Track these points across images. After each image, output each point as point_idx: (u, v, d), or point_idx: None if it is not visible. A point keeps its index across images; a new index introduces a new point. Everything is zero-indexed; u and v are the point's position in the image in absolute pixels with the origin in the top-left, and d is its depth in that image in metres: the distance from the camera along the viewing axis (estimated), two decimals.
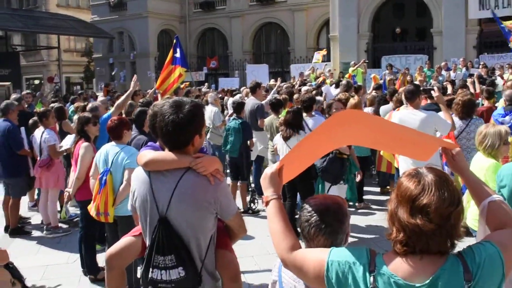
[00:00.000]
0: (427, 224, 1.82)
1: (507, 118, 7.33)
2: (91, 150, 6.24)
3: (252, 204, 9.10)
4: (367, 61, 21.14)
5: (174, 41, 15.08)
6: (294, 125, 7.43)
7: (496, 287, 1.91)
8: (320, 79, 18.23)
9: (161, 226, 2.82)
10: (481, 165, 4.92)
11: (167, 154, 2.89)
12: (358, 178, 7.58)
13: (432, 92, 6.68)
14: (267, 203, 2.32)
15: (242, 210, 8.73)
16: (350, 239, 2.05)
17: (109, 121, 5.68)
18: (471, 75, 15.35)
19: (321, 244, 2.34)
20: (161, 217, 2.83)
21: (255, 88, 10.32)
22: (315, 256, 2.08)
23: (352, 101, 8.83)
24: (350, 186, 7.48)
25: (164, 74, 14.89)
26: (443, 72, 18.61)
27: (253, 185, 9.61)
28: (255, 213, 8.92)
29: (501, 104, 8.87)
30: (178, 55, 14.75)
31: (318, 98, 10.11)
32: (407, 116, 6.50)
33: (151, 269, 2.86)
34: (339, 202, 2.44)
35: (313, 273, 2.03)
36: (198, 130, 2.89)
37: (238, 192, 9.02)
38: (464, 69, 19.27)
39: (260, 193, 8.73)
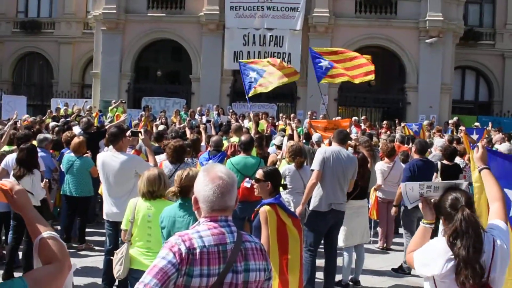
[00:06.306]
0: None
1: (210, 161, 7.92)
2: None
3: None
4: (124, 101, 21.27)
5: None
6: (27, 163, 7.08)
7: None
8: (73, 116, 17.75)
9: None
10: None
11: None
12: None
13: (139, 135, 6.96)
14: None
15: None
16: None
17: None
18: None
19: None
20: None
21: None
22: None
23: (76, 140, 8.79)
24: None
25: None
26: (197, 116, 19.64)
27: None
28: None
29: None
30: None
31: (46, 135, 9.76)
32: (108, 158, 6.64)
33: None
34: None
35: None
36: None
37: None
38: (215, 115, 20.64)
39: None
